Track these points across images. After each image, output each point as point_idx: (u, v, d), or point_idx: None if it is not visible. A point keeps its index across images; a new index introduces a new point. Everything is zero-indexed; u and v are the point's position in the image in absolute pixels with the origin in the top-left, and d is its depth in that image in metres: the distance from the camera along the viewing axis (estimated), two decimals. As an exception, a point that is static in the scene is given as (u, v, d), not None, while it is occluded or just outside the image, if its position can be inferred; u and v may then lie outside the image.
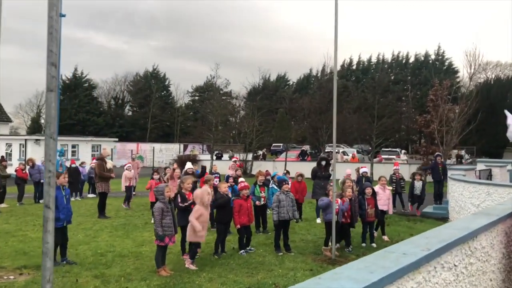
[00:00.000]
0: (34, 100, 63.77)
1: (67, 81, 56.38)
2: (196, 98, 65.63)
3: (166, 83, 65.43)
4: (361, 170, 12.20)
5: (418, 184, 12.19)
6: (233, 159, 17.66)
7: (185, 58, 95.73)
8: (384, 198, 9.65)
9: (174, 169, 12.06)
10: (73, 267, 6.98)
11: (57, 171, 3.04)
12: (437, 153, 16.75)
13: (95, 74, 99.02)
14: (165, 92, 64.74)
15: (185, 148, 41.90)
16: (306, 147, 39.26)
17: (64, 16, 2.82)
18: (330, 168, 11.87)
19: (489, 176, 15.64)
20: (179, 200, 8.17)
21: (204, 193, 7.32)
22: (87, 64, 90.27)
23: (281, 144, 41.86)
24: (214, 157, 31.43)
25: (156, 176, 11.17)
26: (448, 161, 21.74)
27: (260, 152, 36.73)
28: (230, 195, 8.44)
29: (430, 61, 65.83)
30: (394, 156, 30.50)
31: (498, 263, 4.42)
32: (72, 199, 16.59)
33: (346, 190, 8.63)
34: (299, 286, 2.22)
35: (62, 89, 55.97)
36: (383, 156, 31.53)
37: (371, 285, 2.25)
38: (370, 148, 29.93)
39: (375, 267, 2.57)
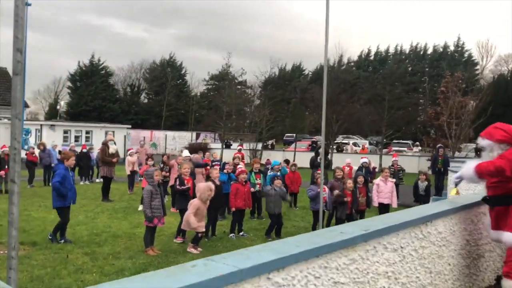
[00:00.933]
0: (52, 86, 65.00)
1: (84, 68, 57.25)
2: (211, 87, 65.97)
3: (182, 71, 65.91)
4: (361, 160, 12.28)
5: (422, 185, 11.66)
6: (238, 147, 17.89)
7: (203, 47, 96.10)
8: (385, 191, 9.47)
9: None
10: (67, 245, 7.34)
11: (23, 148, 3.28)
12: (439, 145, 16.67)
13: (113, 62, 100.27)
14: (180, 80, 65.26)
15: (197, 136, 42.33)
16: (319, 138, 39.27)
17: (29, 5, 3.03)
18: (328, 157, 12.01)
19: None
20: (178, 183, 8.46)
21: (206, 189, 7.43)
22: (105, 52, 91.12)
23: (294, 134, 41.94)
24: (224, 146, 31.74)
25: (150, 162, 11.41)
26: (457, 154, 21.56)
27: (270, 142, 36.90)
28: (217, 182, 8.64)
29: (449, 53, 64.75)
30: (405, 148, 30.37)
31: (461, 249, 4.53)
32: (81, 183, 17.15)
33: (346, 181, 8.78)
34: (225, 255, 2.42)
35: (79, 76, 56.94)
36: (393, 148, 31.38)
37: (289, 257, 2.44)
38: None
39: (305, 242, 2.75)
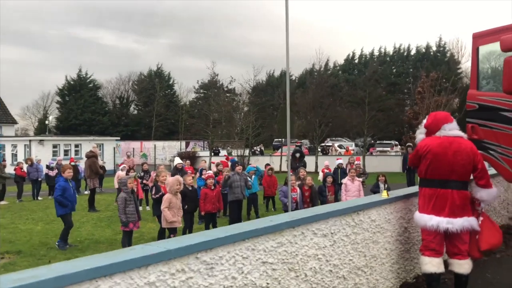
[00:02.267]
0: (40, 102, 65.13)
1: (72, 82, 57.53)
2: (200, 95, 66.48)
3: (170, 81, 66.40)
4: (336, 162, 12.78)
5: (381, 186, 11.85)
6: (224, 156, 18.44)
7: (195, 55, 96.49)
8: (353, 190, 9.92)
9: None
10: (50, 252, 7.79)
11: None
12: (408, 143, 17.31)
13: (105, 73, 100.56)
14: (169, 90, 65.70)
15: (187, 145, 42.75)
16: (305, 142, 39.89)
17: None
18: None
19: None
20: (153, 192, 8.95)
21: (174, 182, 7.99)
22: (95, 64, 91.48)
23: (282, 139, 42.52)
24: (212, 154, 32.21)
25: (132, 174, 11.80)
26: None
27: (257, 148, 37.43)
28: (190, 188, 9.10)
29: (432, 53, 65.93)
30: (388, 149, 31.08)
31: (399, 236, 5.07)
32: (70, 195, 17.51)
33: (306, 178, 9.37)
34: (162, 241, 2.92)
35: (68, 90, 57.19)
36: (377, 149, 32.08)
37: (215, 240, 2.95)
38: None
39: (233, 229, 3.28)
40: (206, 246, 2.89)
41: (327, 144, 34.68)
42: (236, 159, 11.76)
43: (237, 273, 3.09)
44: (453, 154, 4.58)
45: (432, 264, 4.60)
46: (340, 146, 34.67)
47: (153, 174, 12.00)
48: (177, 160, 12.05)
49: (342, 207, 4.21)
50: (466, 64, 56.95)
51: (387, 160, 24.70)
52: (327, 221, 3.96)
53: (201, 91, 66.31)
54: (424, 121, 5.11)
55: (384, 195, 4.89)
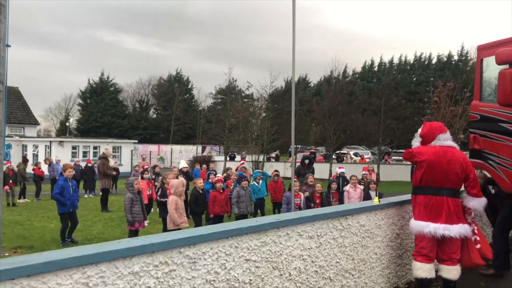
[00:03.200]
0: (62, 104, 66.73)
1: (93, 85, 58.83)
2: (218, 100, 67.10)
3: (189, 86, 67.25)
4: (338, 171, 12.82)
5: (372, 194, 11.49)
6: (241, 162, 18.71)
7: (215, 60, 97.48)
8: (355, 197, 10.01)
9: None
10: (60, 248, 8.10)
11: (5, 159, 3.96)
12: None
13: (126, 76, 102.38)
14: (188, 95, 66.54)
15: (203, 149, 43.22)
16: (320, 149, 39.88)
17: (9, 46, 3.85)
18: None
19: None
20: (159, 193, 9.23)
21: (179, 184, 8.26)
22: (117, 68, 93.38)
23: (299, 146, 42.56)
24: (228, 158, 32.51)
25: (146, 175, 12.05)
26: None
27: (273, 154, 37.59)
28: (200, 191, 9.33)
29: (453, 62, 65.18)
30: (404, 157, 30.77)
31: (390, 242, 5.20)
32: (86, 196, 17.99)
33: (316, 185, 9.51)
34: (148, 236, 3.15)
35: (89, 93, 58.48)
36: (393, 157, 31.85)
37: (198, 236, 3.16)
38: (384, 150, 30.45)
39: (216, 228, 3.48)
40: (190, 241, 3.09)
41: (342, 151, 34.61)
42: (243, 171, 11.89)
43: (220, 268, 3.28)
44: (447, 163, 4.73)
45: (423, 270, 4.73)
46: (355, 154, 34.55)
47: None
48: (182, 164, 12.32)
49: (330, 211, 4.37)
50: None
51: (402, 169, 24.53)
52: (314, 223, 4.12)
53: (219, 96, 67.04)
54: (420, 130, 5.26)
55: (375, 201, 5.03)
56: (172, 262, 2.98)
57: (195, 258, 3.13)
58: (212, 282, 3.22)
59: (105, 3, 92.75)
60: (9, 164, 15.83)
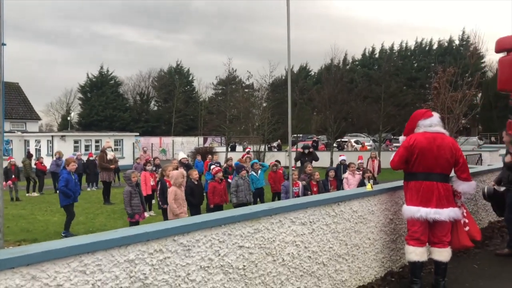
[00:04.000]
0: (63, 99, 66.86)
1: (93, 79, 58.87)
2: (219, 91, 67.07)
3: (190, 78, 67.23)
4: (339, 158, 12.94)
5: (366, 182, 11.41)
6: (246, 150, 18.85)
7: (216, 50, 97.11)
8: (354, 184, 10.10)
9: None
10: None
11: (4, 155, 4.05)
12: None
13: (127, 70, 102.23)
14: (188, 87, 66.57)
15: (205, 141, 43.36)
16: (322, 137, 39.96)
17: (5, 45, 3.93)
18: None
19: (479, 160, 16.06)
20: (159, 187, 9.36)
21: (179, 175, 8.37)
22: (117, 61, 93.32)
23: (300, 135, 42.60)
24: (229, 149, 32.63)
25: (148, 167, 12.20)
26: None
27: (275, 144, 37.68)
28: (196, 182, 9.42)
29: (454, 47, 64.87)
30: (405, 144, 30.81)
31: (384, 227, 5.31)
32: (88, 189, 18.19)
33: (314, 174, 9.64)
34: (142, 225, 3.26)
35: (89, 87, 58.55)
36: (394, 144, 31.90)
37: (191, 224, 3.28)
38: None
39: (209, 216, 3.60)
40: (183, 230, 3.21)
41: (343, 139, 34.68)
42: (241, 162, 12.01)
43: (213, 255, 3.40)
44: (437, 148, 4.83)
45: (415, 253, 4.86)
46: (356, 142, 34.63)
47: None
48: (182, 155, 12.47)
49: (322, 198, 4.48)
50: (490, 57, 55.98)
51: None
52: (306, 210, 4.23)
53: (219, 87, 67.01)
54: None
55: (368, 187, 5.13)
56: (166, 250, 3.10)
57: (189, 246, 3.24)
58: (206, 268, 3.34)
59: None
60: (11, 160, 16.01)
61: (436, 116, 5.07)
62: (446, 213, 4.78)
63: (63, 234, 8.98)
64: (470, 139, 29.05)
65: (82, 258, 2.67)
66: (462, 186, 5.06)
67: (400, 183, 5.73)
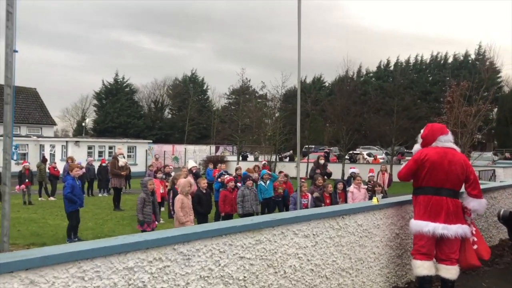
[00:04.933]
0: (79, 104, 67.82)
1: (108, 86, 59.65)
2: (232, 101, 67.35)
3: (204, 87, 67.71)
4: (349, 171, 12.84)
5: (378, 196, 11.07)
6: (262, 162, 18.87)
7: (230, 60, 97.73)
8: (359, 198, 9.86)
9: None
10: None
11: (12, 159, 4.13)
12: None
13: (142, 77, 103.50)
14: (202, 95, 67.01)
15: (216, 149, 43.50)
16: (334, 149, 39.73)
17: (17, 51, 4.02)
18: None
19: (493, 176, 15.80)
20: (171, 195, 9.39)
21: (186, 183, 8.40)
22: (133, 68, 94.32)
23: (313, 146, 42.47)
24: (240, 158, 32.68)
25: (159, 175, 12.26)
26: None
27: (287, 154, 37.63)
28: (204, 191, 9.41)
29: (470, 61, 64.28)
30: (418, 158, 30.51)
31: (389, 241, 5.25)
32: (100, 195, 18.35)
33: (327, 186, 9.60)
34: (143, 233, 3.28)
35: (104, 94, 59.32)
36: (407, 158, 31.60)
37: (191, 234, 3.28)
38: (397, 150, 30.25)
39: (210, 225, 3.60)
40: (183, 239, 3.22)
41: (355, 152, 34.48)
42: (247, 172, 12.01)
43: (214, 265, 3.40)
44: (448, 163, 4.79)
45: (424, 267, 4.79)
46: (369, 155, 34.37)
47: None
48: (191, 163, 12.52)
49: (325, 211, 4.45)
50: (507, 72, 55.31)
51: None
52: (309, 223, 4.21)
53: (232, 96, 67.33)
54: (422, 131, 5.32)
55: (374, 201, 5.09)
56: (166, 258, 3.11)
57: (189, 255, 3.25)
58: (206, 278, 3.34)
59: (122, 3, 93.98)
60: (25, 164, 16.26)
61: (450, 133, 5.09)
62: (454, 229, 4.73)
63: (67, 241, 9.05)
64: (485, 154, 28.60)
65: (81, 264, 2.69)
66: (473, 203, 5.02)
67: (407, 197, 5.68)
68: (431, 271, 4.79)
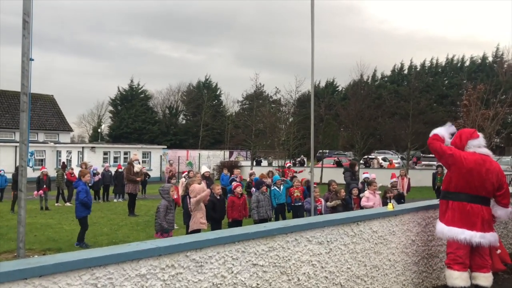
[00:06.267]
0: (95, 111, 68.70)
1: (123, 92, 60.31)
2: (246, 106, 67.47)
3: (218, 92, 68.04)
4: (363, 176, 12.71)
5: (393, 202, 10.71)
6: (287, 164, 18.83)
7: (246, 64, 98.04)
8: (376, 204, 9.90)
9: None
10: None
11: (28, 166, 4.18)
12: (438, 163, 16.85)
13: (159, 82, 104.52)
14: (216, 101, 67.33)
15: (230, 154, 43.56)
16: (348, 154, 39.45)
17: (33, 60, 4.08)
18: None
19: (512, 181, 15.49)
20: (188, 200, 9.39)
21: (200, 189, 8.40)
22: (150, 74, 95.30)
23: (326, 151, 42.24)
24: (254, 163, 32.66)
25: (173, 181, 12.31)
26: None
27: (298, 159, 37.49)
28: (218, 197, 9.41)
29: (488, 64, 63.35)
30: (434, 163, 30.04)
31: (405, 248, 5.16)
32: (115, 200, 18.51)
33: (339, 191, 9.51)
34: (155, 240, 3.28)
35: (120, 100, 59.99)
36: (423, 163, 31.21)
37: (204, 240, 3.26)
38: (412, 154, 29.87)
39: (222, 232, 3.58)
40: (196, 245, 3.20)
41: (370, 156, 34.18)
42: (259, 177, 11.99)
43: (226, 272, 3.38)
44: (486, 171, 4.78)
45: (461, 278, 4.72)
46: (384, 159, 34.03)
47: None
48: (204, 169, 12.54)
49: (340, 217, 4.39)
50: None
51: (431, 175, 23.97)
52: (323, 229, 4.16)
53: (246, 102, 67.46)
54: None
55: (389, 207, 5.01)
56: (178, 265, 3.10)
57: (201, 262, 3.23)
58: (218, 285, 3.32)
59: (140, 10, 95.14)
60: (43, 170, 16.50)
61: (482, 137, 5.02)
62: (488, 238, 4.74)
63: (76, 245, 9.11)
64: (503, 158, 28.07)
65: (94, 271, 2.69)
66: (500, 212, 5.02)
67: (423, 203, 5.60)
68: (468, 282, 4.75)
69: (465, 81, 60.87)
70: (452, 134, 5.21)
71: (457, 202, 4.79)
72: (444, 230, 4.85)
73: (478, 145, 4.91)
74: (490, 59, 64.04)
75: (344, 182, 12.65)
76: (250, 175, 13.90)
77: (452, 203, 4.83)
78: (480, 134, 5.10)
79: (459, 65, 66.38)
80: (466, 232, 4.64)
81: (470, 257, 4.78)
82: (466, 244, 4.65)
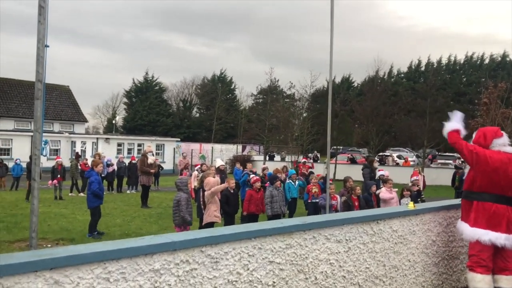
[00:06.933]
0: (110, 102, 69.22)
1: (138, 85, 60.60)
2: (260, 100, 67.27)
3: (232, 86, 67.96)
4: (378, 173, 12.51)
5: (404, 201, 9.76)
6: (303, 160, 18.70)
7: (261, 59, 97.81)
8: (393, 202, 9.69)
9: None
10: (98, 240, 8.39)
11: (41, 154, 4.13)
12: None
13: (174, 75, 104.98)
14: (230, 95, 67.27)
15: (243, 149, 43.49)
16: (363, 151, 39.09)
17: (48, 47, 3.99)
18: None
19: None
20: (202, 194, 9.32)
21: (214, 182, 8.30)
22: (165, 67, 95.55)
23: (341, 147, 41.90)
24: (267, 158, 32.52)
25: (187, 173, 12.32)
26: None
27: (311, 155, 37.24)
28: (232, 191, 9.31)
29: (508, 62, 62.09)
30: (451, 161, 29.57)
31: (425, 249, 4.99)
32: (128, 191, 18.56)
33: (355, 188, 9.34)
34: (171, 234, 3.17)
35: (135, 92, 60.32)
36: (439, 161, 30.73)
37: (220, 236, 3.15)
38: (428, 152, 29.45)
39: (239, 228, 3.47)
40: (211, 241, 3.09)
41: (385, 154, 33.78)
42: (272, 172, 11.86)
43: (242, 269, 3.26)
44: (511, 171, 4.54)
45: (485, 282, 4.55)
46: (399, 157, 33.60)
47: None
48: (219, 162, 12.44)
49: (359, 215, 4.25)
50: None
51: (447, 174, 23.57)
52: (342, 227, 4.02)
53: (260, 96, 67.25)
54: (473, 137, 5.05)
55: (410, 206, 4.84)
56: (193, 261, 2.99)
57: (217, 258, 3.12)
58: (234, 282, 3.20)
59: (156, 3, 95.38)
60: (58, 159, 16.60)
61: (505, 135, 4.81)
62: None
63: (88, 236, 9.09)
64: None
65: (106, 265, 2.60)
66: None
67: (445, 202, 5.42)
68: (491, 286, 4.56)
69: (483, 79, 59.96)
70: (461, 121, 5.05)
71: (482, 202, 4.62)
72: (467, 231, 4.67)
73: (503, 143, 4.72)
74: (511, 57, 62.70)
75: (361, 179, 12.47)
76: (263, 169, 13.77)
77: (477, 204, 4.65)
78: (504, 133, 4.91)
79: (478, 62, 65.16)
80: (491, 233, 4.48)
81: (495, 259, 4.61)
82: (490, 245, 4.48)
